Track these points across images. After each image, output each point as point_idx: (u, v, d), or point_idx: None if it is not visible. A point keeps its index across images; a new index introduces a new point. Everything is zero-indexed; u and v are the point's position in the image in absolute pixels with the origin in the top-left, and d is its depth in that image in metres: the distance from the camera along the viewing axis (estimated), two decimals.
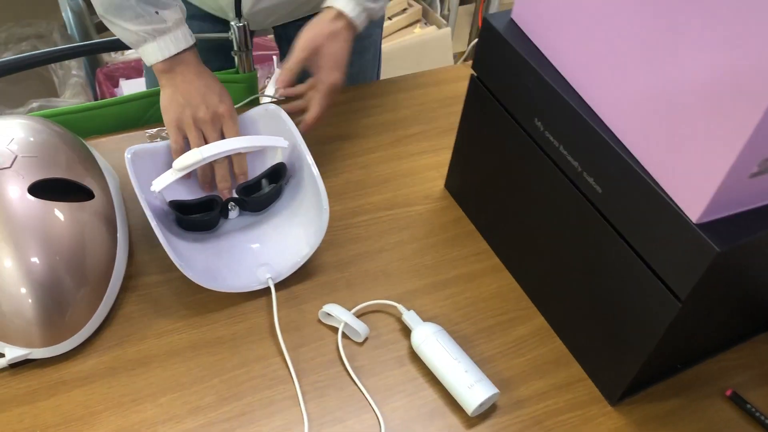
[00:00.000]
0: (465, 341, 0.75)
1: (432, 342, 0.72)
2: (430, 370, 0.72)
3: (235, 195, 0.84)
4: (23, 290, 0.67)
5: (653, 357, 0.66)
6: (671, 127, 0.56)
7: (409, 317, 0.75)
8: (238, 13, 1.01)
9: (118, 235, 0.77)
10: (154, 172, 0.78)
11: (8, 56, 2.00)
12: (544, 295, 0.79)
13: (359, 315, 0.77)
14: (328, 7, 0.88)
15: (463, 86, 1.08)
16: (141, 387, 0.69)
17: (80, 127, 0.95)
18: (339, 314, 0.74)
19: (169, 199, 0.79)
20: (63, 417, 0.67)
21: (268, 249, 0.82)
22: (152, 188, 0.74)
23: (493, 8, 2.51)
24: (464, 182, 0.89)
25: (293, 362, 0.72)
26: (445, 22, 2.32)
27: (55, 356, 0.70)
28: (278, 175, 0.84)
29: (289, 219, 0.84)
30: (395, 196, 0.92)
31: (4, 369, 0.70)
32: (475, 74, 0.79)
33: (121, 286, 0.77)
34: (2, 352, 0.68)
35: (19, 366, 0.70)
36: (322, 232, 0.78)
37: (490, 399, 0.69)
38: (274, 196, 0.85)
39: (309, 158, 0.80)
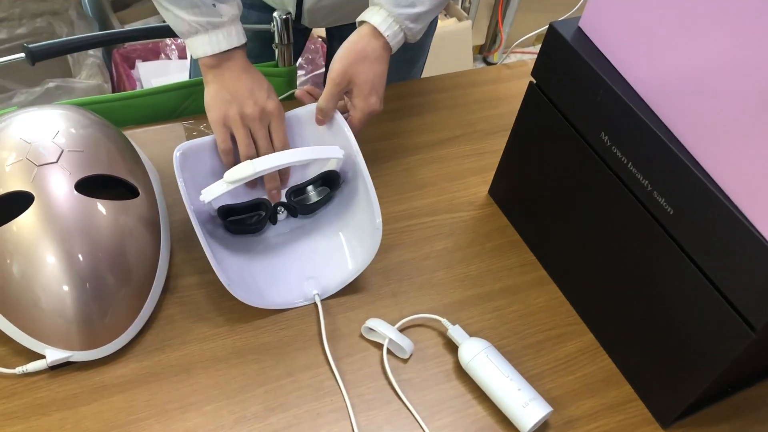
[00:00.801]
0: (512, 357, 0.73)
1: (482, 358, 0.70)
2: (479, 386, 0.70)
3: (284, 199, 0.81)
4: (65, 288, 0.65)
5: (714, 384, 0.64)
6: (753, 148, 0.53)
7: (456, 332, 0.73)
8: (299, 8, 0.98)
9: (161, 234, 0.75)
10: (198, 170, 0.76)
11: (22, 32, 1.97)
12: (596, 312, 0.77)
13: (403, 329, 0.75)
14: (363, 21, 0.80)
15: (504, 88, 1.06)
16: (185, 394, 0.67)
17: (114, 117, 0.92)
18: (383, 330, 0.72)
19: (216, 199, 0.76)
20: (105, 424, 0.65)
21: (315, 261, 0.80)
22: (201, 198, 0.71)
23: (513, 3, 2.47)
24: (512, 190, 0.87)
25: (339, 373, 0.70)
26: (465, 14, 2.28)
27: (96, 360, 0.68)
28: (330, 181, 0.81)
29: (339, 230, 0.81)
30: (438, 201, 0.90)
31: (44, 371, 0.67)
32: (535, 81, 0.76)
33: (162, 287, 0.74)
34: (43, 353, 0.66)
35: (60, 369, 0.68)
36: (373, 251, 0.75)
37: (544, 417, 0.67)
38: (324, 202, 0.82)
39: (365, 170, 0.76)
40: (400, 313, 0.76)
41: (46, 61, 1.96)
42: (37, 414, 0.65)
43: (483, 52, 2.72)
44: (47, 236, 0.65)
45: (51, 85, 1.68)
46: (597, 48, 0.69)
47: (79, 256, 0.65)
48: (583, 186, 0.73)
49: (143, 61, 1.90)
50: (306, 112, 0.82)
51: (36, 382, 0.67)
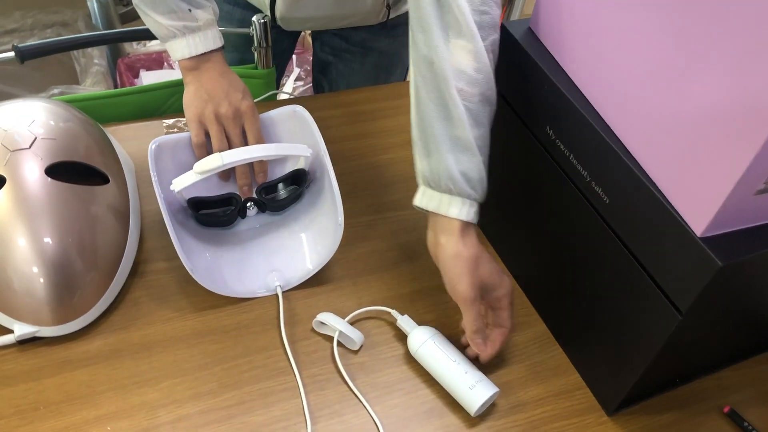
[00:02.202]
0: (464, 346, 0.75)
1: (429, 345, 0.72)
2: (429, 373, 0.73)
3: (254, 195, 0.85)
4: (35, 269, 0.68)
5: (652, 369, 0.66)
6: (680, 142, 0.56)
7: (404, 322, 0.76)
8: (273, 17, 1.02)
9: (130, 221, 0.79)
10: (173, 164, 0.80)
11: (32, 41, 2.04)
12: (547, 302, 0.80)
13: (356, 321, 0.78)
14: (438, 216, 0.68)
15: None
16: (144, 371, 0.71)
17: (100, 114, 0.96)
18: (334, 323, 0.75)
19: (186, 190, 0.80)
20: (66, 395, 0.68)
21: (280, 255, 0.83)
22: (172, 188, 0.75)
23: (515, 16, 2.51)
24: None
25: (294, 355, 0.73)
26: None
27: (62, 336, 0.72)
28: (299, 179, 0.85)
29: (305, 226, 0.85)
30: (405, 197, 0.93)
31: (12, 345, 0.71)
32: None
33: (130, 271, 0.78)
34: (12, 328, 0.70)
35: (27, 343, 0.71)
36: (334, 246, 0.79)
37: (491, 398, 0.69)
38: (292, 200, 0.86)
39: (330, 170, 0.80)
40: (359, 303, 0.79)
41: (54, 69, 2.02)
42: (3, 384, 0.68)
43: None
44: (18, 218, 0.69)
45: (56, 91, 1.74)
46: (544, 47, 0.72)
47: (48, 239, 0.69)
48: (533, 179, 0.76)
49: (147, 70, 1.96)
50: (279, 113, 0.86)
51: (4, 355, 0.70)
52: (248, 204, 0.84)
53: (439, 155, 0.67)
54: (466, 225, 0.67)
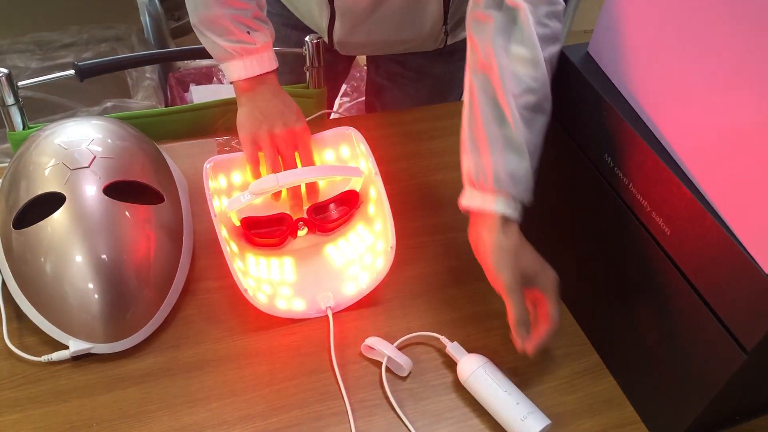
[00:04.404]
0: (515, 374, 0.74)
1: (480, 374, 0.71)
2: (478, 401, 0.71)
3: (305, 215, 0.85)
4: (91, 285, 0.70)
5: (712, 406, 0.64)
6: (751, 175, 0.54)
7: (454, 349, 0.75)
8: (330, 41, 1.03)
9: (183, 239, 0.79)
10: (226, 183, 0.80)
11: (88, 56, 2.09)
12: (601, 333, 0.78)
13: (403, 347, 0.77)
14: (481, 212, 0.69)
15: None
16: (195, 390, 0.71)
17: (154, 131, 0.97)
18: (382, 348, 0.74)
19: (239, 210, 0.81)
20: (118, 413, 0.69)
21: (330, 276, 0.82)
22: (226, 207, 0.76)
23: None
24: (524, 211, 0.89)
25: (343, 378, 0.73)
26: None
27: (115, 353, 0.73)
28: (350, 201, 0.85)
29: (355, 248, 0.84)
30: (454, 220, 0.92)
31: (66, 361, 0.72)
32: None
33: (182, 290, 0.79)
34: (66, 344, 0.71)
35: (81, 359, 0.72)
36: (385, 269, 0.78)
37: (543, 431, 0.68)
38: (343, 221, 0.85)
39: (382, 192, 0.79)
40: (408, 327, 0.78)
41: (107, 82, 2.07)
42: (58, 400, 0.69)
43: None
44: (76, 235, 0.70)
45: (109, 104, 1.78)
46: (603, 73, 0.71)
47: (104, 256, 0.70)
48: (590, 207, 0.74)
49: (196, 84, 1.99)
50: (332, 134, 0.86)
51: (59, 370, 0.71)
52: (300, 224, 0.84)
53: (489, 154, 0.68)
54: (507, 220, 0.68)
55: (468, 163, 0.70)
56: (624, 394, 0.75)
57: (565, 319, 0.82)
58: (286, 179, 0.77)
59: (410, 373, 0.74)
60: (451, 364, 0.75)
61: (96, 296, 0.70)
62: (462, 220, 0.92)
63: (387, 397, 0.72)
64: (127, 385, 0.71)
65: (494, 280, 0.69)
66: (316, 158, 0.86)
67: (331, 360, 0.74)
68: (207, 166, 0.78)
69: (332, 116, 1.17)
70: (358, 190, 0.84)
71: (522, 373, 0.75)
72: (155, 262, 0.75)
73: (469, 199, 0.70)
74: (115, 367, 0.72)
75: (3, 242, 0.75)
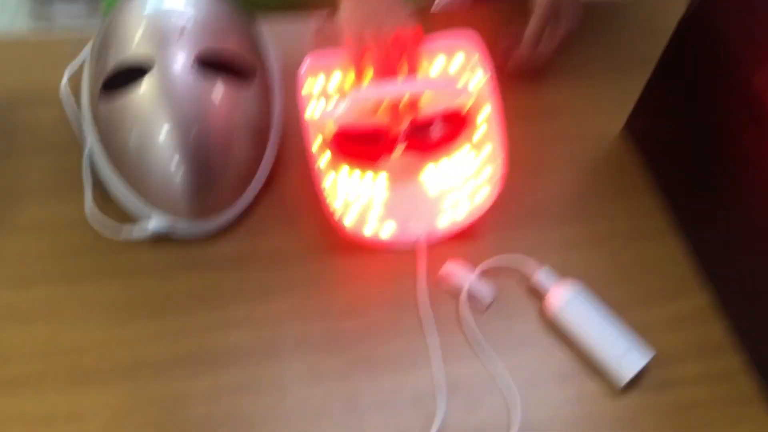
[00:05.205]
0: (614, 306, 0.67)
1: (574, 303, 0.65)
2: (570, 333, 0.66)
3: (404, 131, 0.75)
4: (176, 158, 0.66)
5: None
6: None
7: (544, 275, 0.68)
8: None
9: (272, 124, 0.75)
10: (324, 83, 0.72)
11: None
12: (721, 270, 0.69)
13: (485, 272, 0.70)
14: None
15: (663, 19, 0.95)
16: (273, 282, 0.68)
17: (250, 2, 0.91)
18: (463, 275, 0.68)
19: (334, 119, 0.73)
20: (194, 296, 0.67)
21: (426, 202, 0.75)
22: (319, 116, 0.68)
23: None
24: (651, 128, 0.79)
25: (422, 307, 0.68)
26: None
27: (195, 238, 0.70)
28: (456, 120, 0.76)
29: (457, 174, 0.76)
30: (566, 128, 0.83)
31: (147, 237, 0.70)
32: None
33: (266, 178, 0.74)
34: (148, 217, 0.69)
35: (161, 240, 0.70)
36: (489, 201, 0.70)
37: (645, 365, 0.62)
38: (446, 142, 0.76)
39: (496, 114, 0.70)
40: (498, 249, 0.72)
41: None
42: (135, 278, 0.68)
43: None
44: (163, 105, 0.66)
45: None
46: None
47: (193, 128, 0.67)
48: (733, 134, 0.64)
49: None
50: (445, 43, 0.75)
51: (138, 246, 0.70)
52: (398, 141, 0.76)
53: None
54: None
55: None
56: (738, 338, 0.67)
57: (678, 251, 0.73)
58: (392, 89, 0.68)
59: (493, 301, 0.69)
60: (539, 293, 0.69)
61: (181, 170, 0.67)
62: (574, 129, 0.83)
63: (467, 327, 0.67)
64: (205, 271, 0.69)
65: None
66: (424, 65, 0.75)
67: (414, 286, 0.69)
68: (305, 64, 0.70)
69: (438, 7, 1.06)
70: (468, 107, 0.75)
71: (622, 307, 0.68)
72: (243, 143, 0.71)
73: None
74: (193, 250, 0.70)
75: (91, 109, 0.72)
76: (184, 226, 0.69)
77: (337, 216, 0.68)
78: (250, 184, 0.72)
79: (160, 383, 0.62)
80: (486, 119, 0.72)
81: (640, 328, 0.66)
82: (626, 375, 0.61)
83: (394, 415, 0.61)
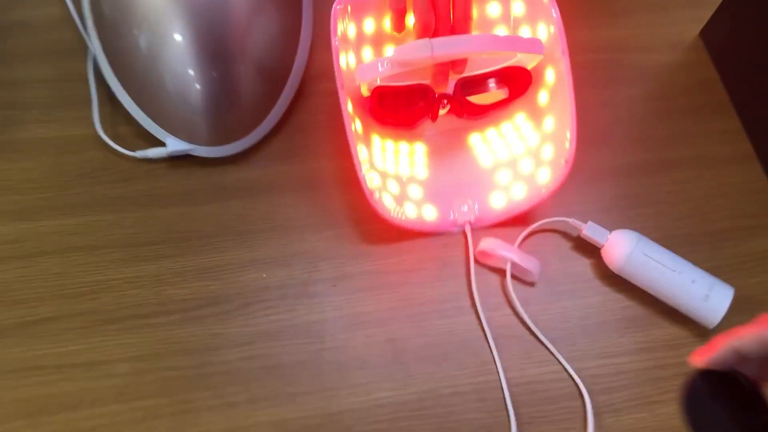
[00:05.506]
0: (686, 242, 0.61)
1: (636, 254, 0.57)
2: (638, 286, 0.59)
3: (450, 91, 0.63)
4: (191, 71, 0.58)
5: None
6: None
7: (592, 230, 0.60)
8: None
9: (302, 26, 0.65)
10: (359, 29, 0.60)
11: None
12: None
13: (526, 238, 0.61)
14: None
15: None
16: (307, 213, 0.61)
17: None
18: (503, 252, 0.59)
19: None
20: (220, 228, 0.60)
21: (473, 179, 0.64)
22: (356, 78, 0.56)
23: None
24: (731, 35, 0.69)
25: (467, 286, 0.60)
26: None
27: (219, 158, 0.62)
28: (514, 81, 0.63)
29: (512, 145, 0.64)
30: (634, 35, 0.73)
31: (164, 159, 0.62)
32: None
33: (296, 92, 0.65)
34: (164, 141, 0.61)
35: (181, 160, 0.62)
36: (554, 184, 0.58)
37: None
38: (500, 105, 0.64)
39: (568, 78, 0.57)
40: (531, 217, 0.62)
41: None
42: (155, 205, 0.61)
43: None
44: (174, 9, 0.57)
45: None
46: None
47: (207, 36, 0.58)
48: None
49: None
50: None
51: (156, 170, 0.62)
52: (443, 101, 0.63)
53: None
54: None
55: None
56: None
57: (759, 183, 0.65)
58: (444, 49, 0.54)
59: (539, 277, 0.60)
60: (588, 251, 0.61)
61: (197, 86, 0.58)
62: (644, 36, 0.73)
63: (514, 307, 0.59)
64: (230, 197, 0.62)
65: None
66: (474, 12, 0.60)
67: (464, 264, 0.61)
68: (337, 7, 0.56)
69: None
70: (529, 67, 0.62)
71: (693, 244, 0.61)
72: (270, 54, 0.62)
73: None
74: (217, 173, 0.62)
75: (92, 7, 0.62)
76: (204, 151, 0.61)
77: (375, 198, 0.57)
78: (281, 95, 0.64)
79: (186, 328, 0.56)
80: (552, 85, 0.60)
81: (712, 270, 0.59)
82: (715, 317, 0.56)
83: (444, 361, 0.56)
